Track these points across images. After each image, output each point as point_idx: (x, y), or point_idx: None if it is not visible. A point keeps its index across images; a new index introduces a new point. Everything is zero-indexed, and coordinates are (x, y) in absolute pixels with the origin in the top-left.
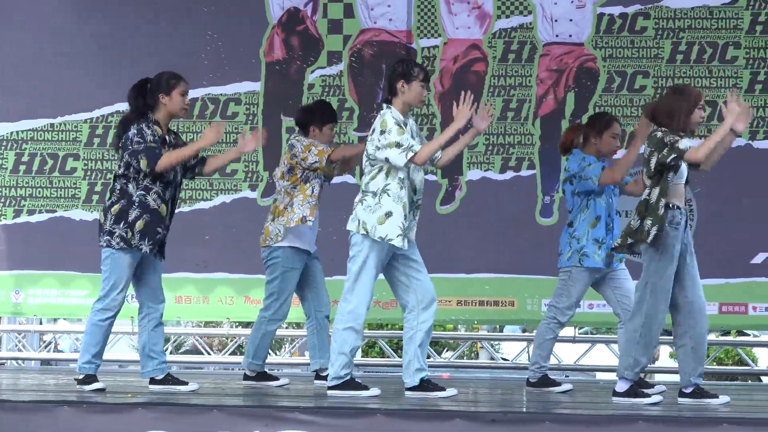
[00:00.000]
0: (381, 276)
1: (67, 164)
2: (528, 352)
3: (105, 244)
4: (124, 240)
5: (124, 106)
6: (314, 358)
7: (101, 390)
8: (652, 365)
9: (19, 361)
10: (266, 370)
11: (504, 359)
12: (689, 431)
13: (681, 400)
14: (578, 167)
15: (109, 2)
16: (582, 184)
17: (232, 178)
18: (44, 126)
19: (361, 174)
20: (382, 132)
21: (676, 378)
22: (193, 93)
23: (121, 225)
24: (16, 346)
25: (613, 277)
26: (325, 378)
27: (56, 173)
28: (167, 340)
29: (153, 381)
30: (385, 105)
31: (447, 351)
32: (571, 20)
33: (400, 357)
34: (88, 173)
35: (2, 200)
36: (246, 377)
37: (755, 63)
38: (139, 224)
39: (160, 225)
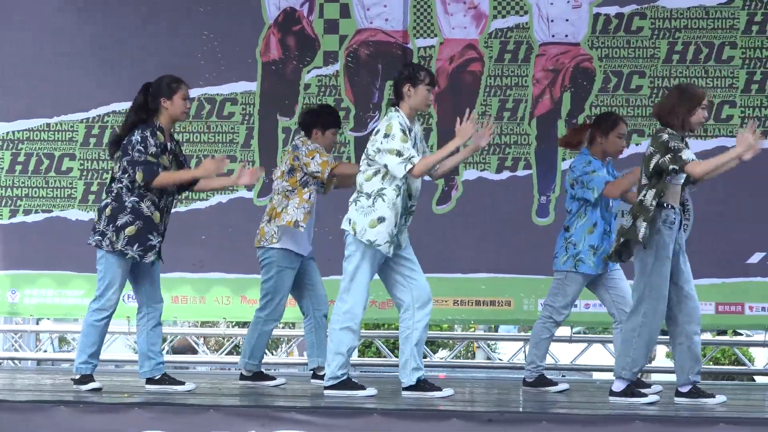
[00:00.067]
0: (377, 276)
1: (63, 164)
2: (524, 352)
3: (94, 244)
4: (111, 243)
5: (120, 106)
6: (312, 357)
7: (98, 390)
8: (649, 365)
9: (16, 361)
10: (263, 370)
11: (498, 359)
12: (686, 431)
13: (678, 399)
14: (582, 171)
15: (109, 2)
16: (582, 191)
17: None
18: (40, 126)
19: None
20: (386, 135)
21: (672, 378)
22: (189, 93)
23: (110, 227)
24: (13, 346)
25: (608, 278)
26: (322, 377)
27: (52, 173)
28: (164, 340)
29: (149, 381)
30: (393, 108)
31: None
32: (567, 20)
33: (397, 357)
34: (84, 173)
35: None
36: (242, 377)
37: (751, 63)
38: (129, 230)
39: (152, 232)
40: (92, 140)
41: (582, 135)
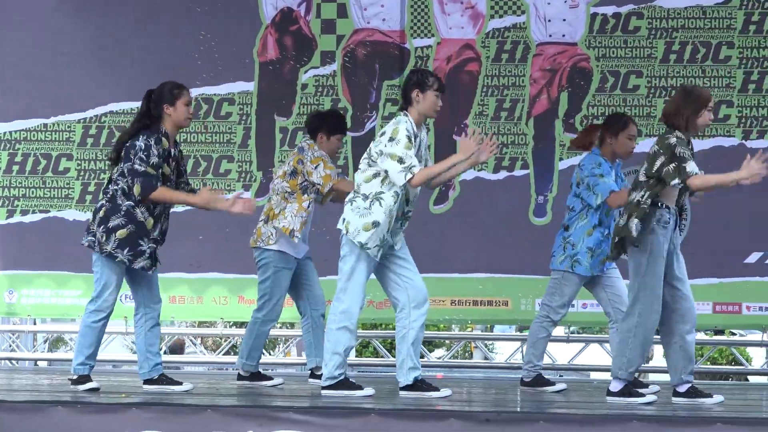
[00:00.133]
0: (373, 276)
1: (61, 164)
2: (522, 351)
3: (87, 245)
4: (99, 244)
5: (117, 106)
6: (310, 357)
7: (95, 390)
8: (647, 365)
9: (13, 362)
10: (260, 370)
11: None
12: (683, 431)
13: (675, 399)
14: (590, 172)
15: (108, 2)
16: (586, 193)
17: (226, 178)
18: (37, 126)
19: (355, 171)
20: (392, 139)
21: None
22: (192, 98)
23: (101, 229)
24: (10, 346)
25: (605, 277)
26: (319, 377)
27: (49, 173)
28: (161, 340)
29: (147, 381)
30: (402, 113)
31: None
32: (564, 20)
33: (394, 357)
34: (81, 173)
35: None
36: (240, 377)
37: (748, 62)
38: (120, 233)
39: (143, 238)
40: (89, 140)
41: (593, 135)
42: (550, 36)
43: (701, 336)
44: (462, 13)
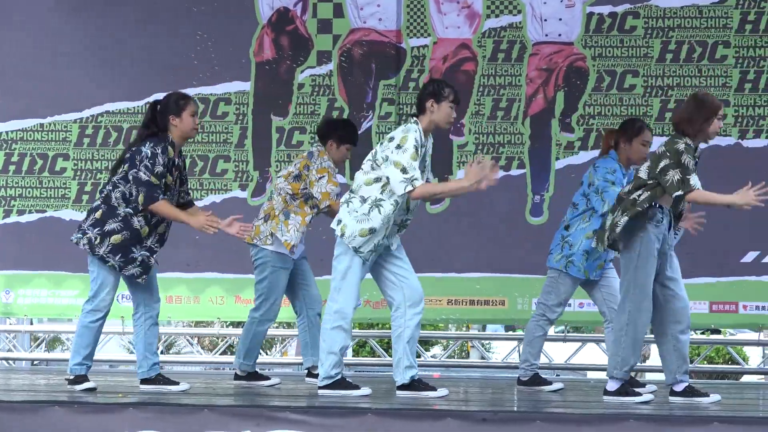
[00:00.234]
0: (369, 276)
1: (57, 164)
2: (518, 351)
3: (75, 241)
4: (91, 244)
5: (114, 106)
6: (307, 356)
7: (92, 390)
8: (643, 364)
9: (10, 362)
10: (257, 369)
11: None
12: (680, 430)
13: (672, 398)
14: (603, 176)
15: (108, 2)
16: (594, 197)
17: (223, 178)
18: (34, 126)
19: (352, 174)
20: (399, 146)
21: None
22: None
23: (95, 230)
24: (7, 346)
25: (601, 277)
26: (317, 376)
27: (46, 173)
28: (158, 340)
29: (144, 381)
30: (412, 120)
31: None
32: (560, 19)
33: (391, 356)
34: (78, 173)
35: None
36: (237, 377)
37: (745, 62)
38: (115, 238)
39: (136, 245)
40: (86, 140)
41: (610, 139)
42: (547, 35)
43: (699, 336)
44: (458, 13)
